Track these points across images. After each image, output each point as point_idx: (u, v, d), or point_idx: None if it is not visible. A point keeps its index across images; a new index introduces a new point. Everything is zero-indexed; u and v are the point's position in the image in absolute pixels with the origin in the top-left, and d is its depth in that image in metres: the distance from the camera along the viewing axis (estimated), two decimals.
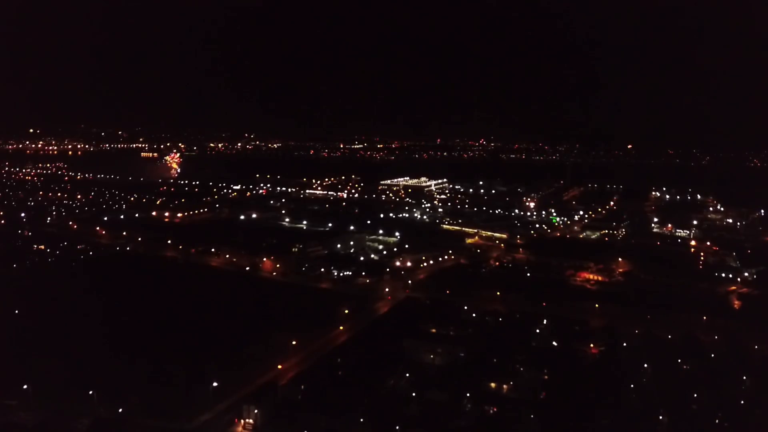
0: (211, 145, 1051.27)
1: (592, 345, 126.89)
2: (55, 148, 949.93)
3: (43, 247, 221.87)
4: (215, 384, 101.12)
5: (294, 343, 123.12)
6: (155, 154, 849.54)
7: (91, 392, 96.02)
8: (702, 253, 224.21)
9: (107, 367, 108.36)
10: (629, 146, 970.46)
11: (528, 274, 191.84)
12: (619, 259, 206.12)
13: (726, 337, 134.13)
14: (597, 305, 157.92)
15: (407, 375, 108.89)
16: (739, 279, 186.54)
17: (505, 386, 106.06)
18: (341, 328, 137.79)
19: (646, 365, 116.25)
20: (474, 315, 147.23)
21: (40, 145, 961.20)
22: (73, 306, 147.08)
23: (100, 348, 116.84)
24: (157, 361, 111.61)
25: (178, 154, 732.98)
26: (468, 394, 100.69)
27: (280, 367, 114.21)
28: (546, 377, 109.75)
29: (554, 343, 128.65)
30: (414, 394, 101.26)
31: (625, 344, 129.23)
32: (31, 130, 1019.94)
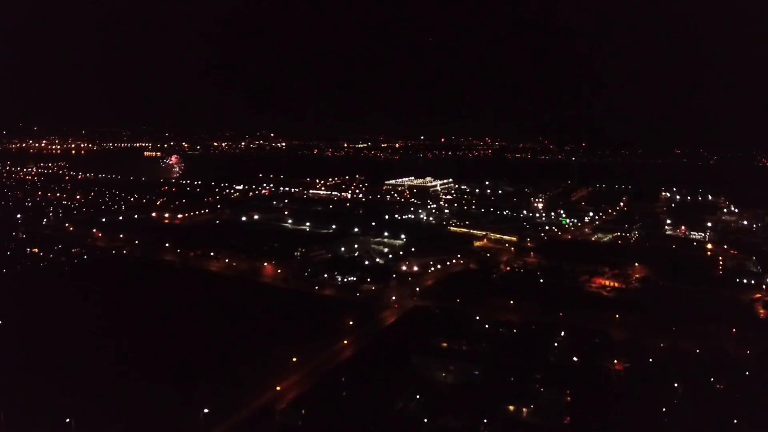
0: (215, 144, 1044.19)
1: (615, 361, 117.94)
2: (59, 147, 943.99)
3: (36, 250, 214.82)
4: (206, 410, 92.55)
5: (294, 359, 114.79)
6: (158, 153, 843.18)
7: (68, 420, 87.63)
8: (720, 258, 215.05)
9: (89, 387, 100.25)
10: (636, 145, 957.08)
11: (541, 280, 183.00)
12: (635, 264, 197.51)
13: (758, 351, 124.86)
14: (617, 315, 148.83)
15: (417, 397, 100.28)
16: (764, 286, 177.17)
17: (524, 410, 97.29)
18: (345, 341, 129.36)
19: (676, 384, 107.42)
20: (486, 326, 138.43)
21: (43, 144, 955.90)
22: (60, 316, 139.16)
23: (83, 365, 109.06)
24: (144, 380, 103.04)
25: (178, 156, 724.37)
26: (485, 420, 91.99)
27: (278, 388, 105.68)
28: (569, 398, 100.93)
29: (574, 359, 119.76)
30: (426, 420, 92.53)
31: (650, 359, 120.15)
32: (35, 128, 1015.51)
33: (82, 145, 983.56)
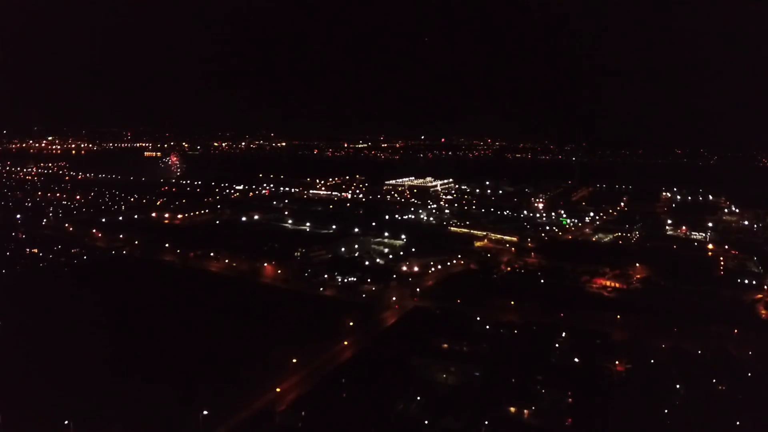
0: (215, 144, 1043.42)
1: (617, 362, 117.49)
2: (59, 147, 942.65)
3: (36, 250, 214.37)
4: (206, 412, 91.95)
5: (294, 360, 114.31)
6: (158, 153, 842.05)
7: (66, 422, 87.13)
8: (721, 258, 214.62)
9: (88, 389, 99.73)
10: (636, 145, 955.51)
11: (542, 281, 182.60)
12: (636, 264, 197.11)
13: (760, 352, 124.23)
14: (618, 316, 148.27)
15: (418, 398, 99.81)
16: (765, 287, 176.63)
17: (525, 411, 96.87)
18: (345, 342, 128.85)
19: (677, 385, 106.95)
20: (487, 327, 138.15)
21: (43, 144, 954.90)
22: (59, 317, 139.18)
23: (82, 366, 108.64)
24: (143, 382, 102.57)
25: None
26: (486, 422, 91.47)
27: (278, 390, 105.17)
28: (570, 399, 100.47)
29: (576, 360, 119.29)
30: (426, 422, 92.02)
31: (652, 360, 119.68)
32: (35, 128, 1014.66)
33: (82, 145, 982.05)
